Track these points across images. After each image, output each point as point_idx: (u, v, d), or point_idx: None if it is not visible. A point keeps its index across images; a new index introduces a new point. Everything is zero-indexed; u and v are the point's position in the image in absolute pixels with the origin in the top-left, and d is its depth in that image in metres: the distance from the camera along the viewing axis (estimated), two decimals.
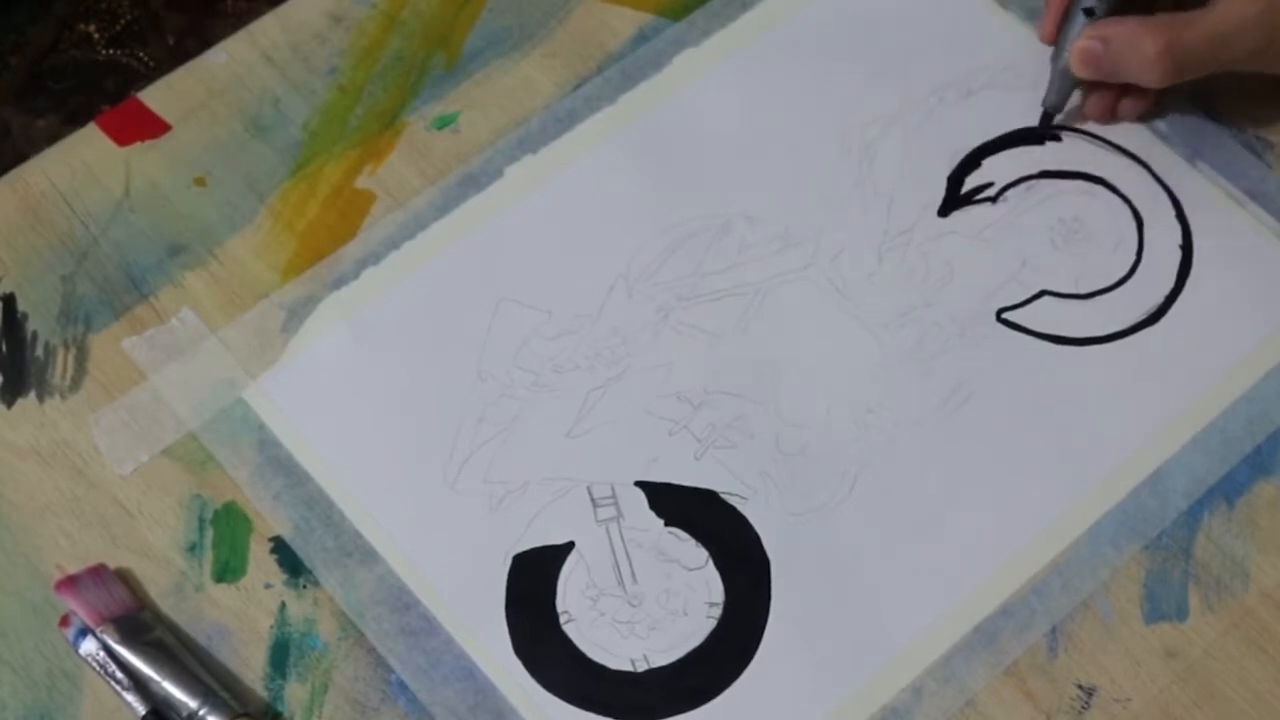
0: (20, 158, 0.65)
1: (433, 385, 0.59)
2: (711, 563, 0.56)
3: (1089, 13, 0.61)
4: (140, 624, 0.54)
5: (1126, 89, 0.63)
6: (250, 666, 0.54)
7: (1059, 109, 0.63)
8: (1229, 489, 0.56)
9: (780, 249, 0.61)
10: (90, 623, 0.53)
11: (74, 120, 0.70)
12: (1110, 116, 0.64)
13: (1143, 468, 0.57)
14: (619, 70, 0.65)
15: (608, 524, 0.56)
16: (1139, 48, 0.59)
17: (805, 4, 0.67)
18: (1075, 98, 0.63)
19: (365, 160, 0.64)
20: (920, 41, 0.66)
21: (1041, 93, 0.63)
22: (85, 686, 0.54)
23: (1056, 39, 0.62)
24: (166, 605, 0.55)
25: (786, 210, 0.62)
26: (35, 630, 0.55)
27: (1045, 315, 0.60)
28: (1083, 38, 0.60)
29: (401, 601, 0.55)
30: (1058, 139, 0.64)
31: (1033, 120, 0.64)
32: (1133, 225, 0.62)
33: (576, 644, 0.54)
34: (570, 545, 0.56)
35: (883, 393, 0.58)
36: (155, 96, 0.65)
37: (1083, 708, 0.53)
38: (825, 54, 0.66)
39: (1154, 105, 0.63)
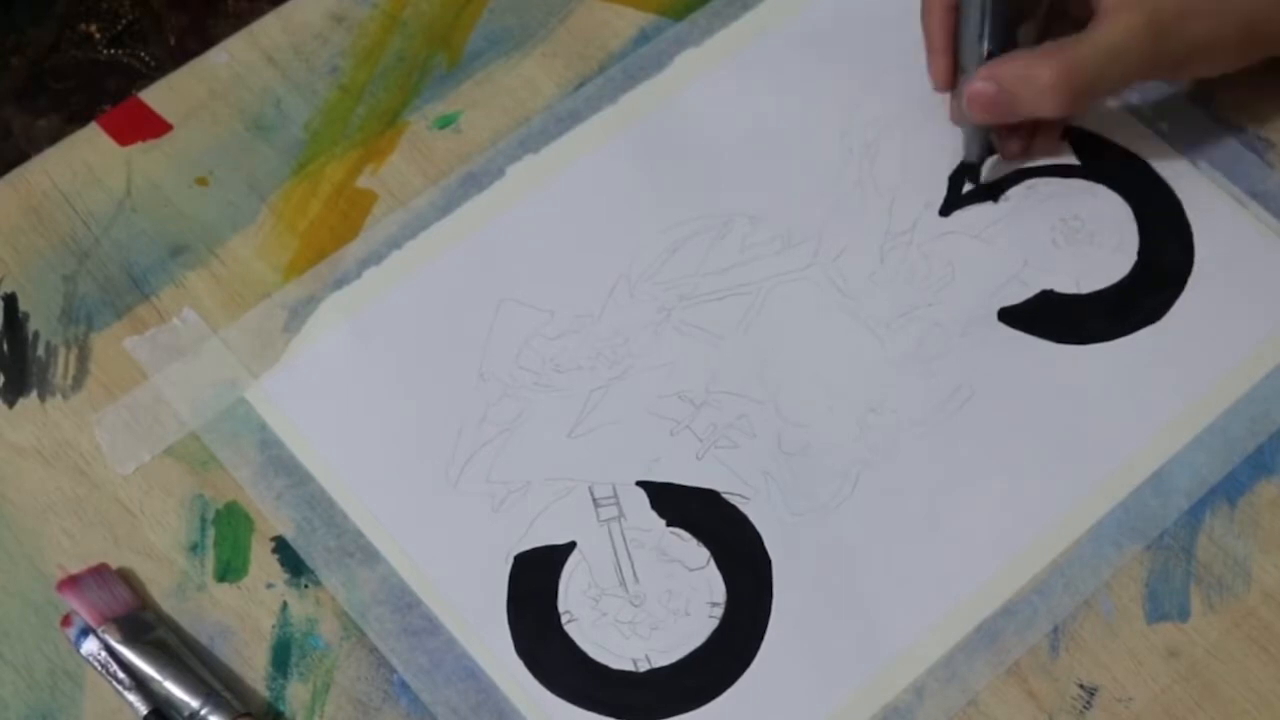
0: (22, 157, 0.65)
1: (434, 385, 0.59)
2: (713, 562, 0.56)
3: (989, 55, 0.58)
4: (142, 624, 0.54)
5: (1037, 125, 0.61)
6: (252, 666, 0.54)
7: (981, 159, 0.61)
8: (1231, 489, 0.56)
9: (781, 249, 0.61)
10: (92, 622, 0.53)
11: (75, 120, 0.70)
12: (1027, 156, 0.62)
13: (1144, 467, 0.57)
14: (620, 70, 0.65)
15: (609, 524, 0.56)
16: (1032, 80, 0.56)
17: (806, 4, 0.67)
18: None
19: (367, 160, 0.64)
20: (921, 41, 0.66)
21: None
22: (87, 686, 0.54)
23: (955, 85, 0.60)
24: (168, 605, 0.55)
25: (788, 210, 0.62)
26: (37, 630, 0.55)
27: (1047, 315, 0.60)
28: (973, 80, 0.58)
29: (403, 601, 0.55)
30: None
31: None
32: (1134, 224, 0.62)
33: (578, 644, 0.54)
34: (572, 545, 0.56)
35: (884, 392, 0.58)
36: (157, 96, 0.66)
37: (1085, 707, 0.53)
38: (826, 54, 0.66)
39: (1061, 138, 0.62)
